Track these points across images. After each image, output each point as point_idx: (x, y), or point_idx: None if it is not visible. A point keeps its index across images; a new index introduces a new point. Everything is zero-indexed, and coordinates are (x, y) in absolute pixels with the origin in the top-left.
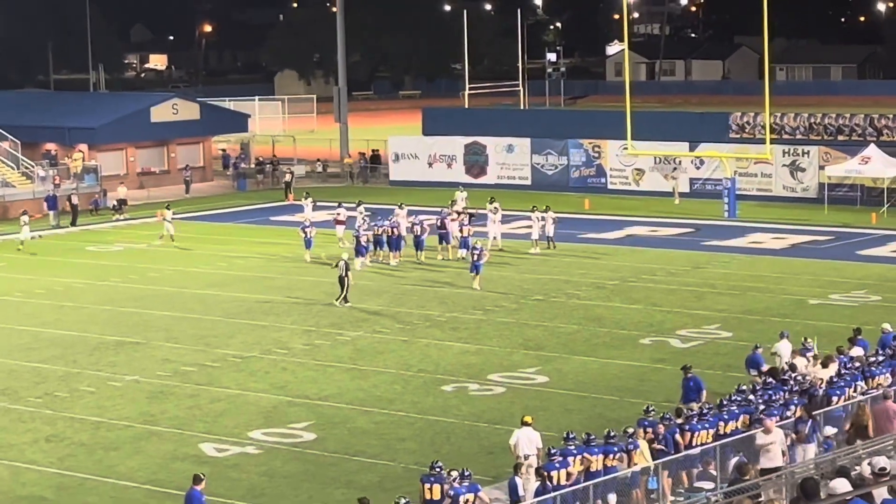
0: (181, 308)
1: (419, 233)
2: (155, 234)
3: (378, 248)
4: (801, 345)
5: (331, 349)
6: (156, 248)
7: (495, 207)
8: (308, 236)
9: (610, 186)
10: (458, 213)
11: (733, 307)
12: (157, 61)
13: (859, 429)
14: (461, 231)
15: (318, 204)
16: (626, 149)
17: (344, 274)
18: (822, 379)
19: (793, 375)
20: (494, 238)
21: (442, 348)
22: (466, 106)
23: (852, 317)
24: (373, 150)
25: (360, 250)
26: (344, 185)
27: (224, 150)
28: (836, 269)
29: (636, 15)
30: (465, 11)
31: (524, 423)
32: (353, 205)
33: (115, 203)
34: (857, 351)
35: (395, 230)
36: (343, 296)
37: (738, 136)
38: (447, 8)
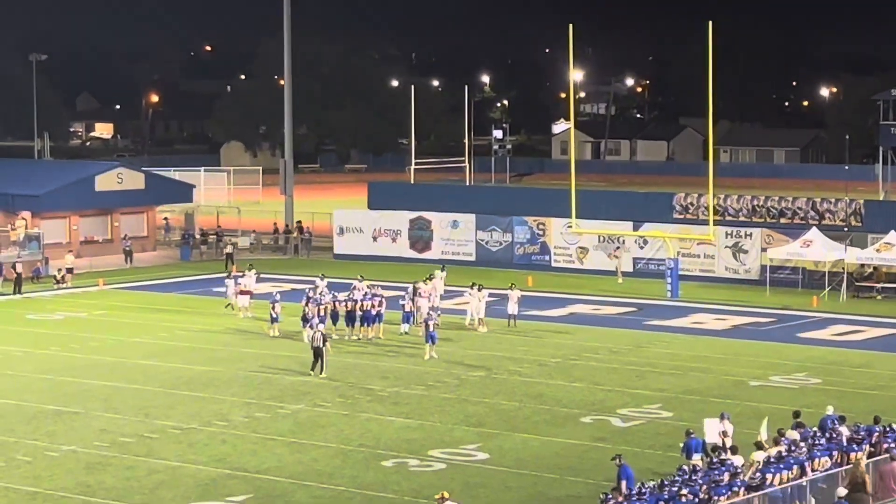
0: (121, 378)
1: (368, 308)
2: (98, 304)
3: (335, 323)
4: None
5: (271, 422)
6: (102, 318)
7: (480, 286)
8: (275, 311)
9: (554, 264)
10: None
11: (674, 387)
12: (103, 130)
13: (856, 486)
14: (404, 307)
15: (263, 276)
16: (570, 227)
17: (321, 345)
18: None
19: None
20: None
21: (383, 423)
22: (412, 181)
23: (793, 399)
24: (297, 222)
25: (320, 320)
26: (287, 257)
27: (166, 219)
28: (777, 351)
29: (582, 94)
30: (412, 87)
31: (444, 499)
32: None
33: (62, 271)
34: (797, 434)
35: (354, 304)
36: (320, 366)
37: (682, 216)
38: (395, 83)
